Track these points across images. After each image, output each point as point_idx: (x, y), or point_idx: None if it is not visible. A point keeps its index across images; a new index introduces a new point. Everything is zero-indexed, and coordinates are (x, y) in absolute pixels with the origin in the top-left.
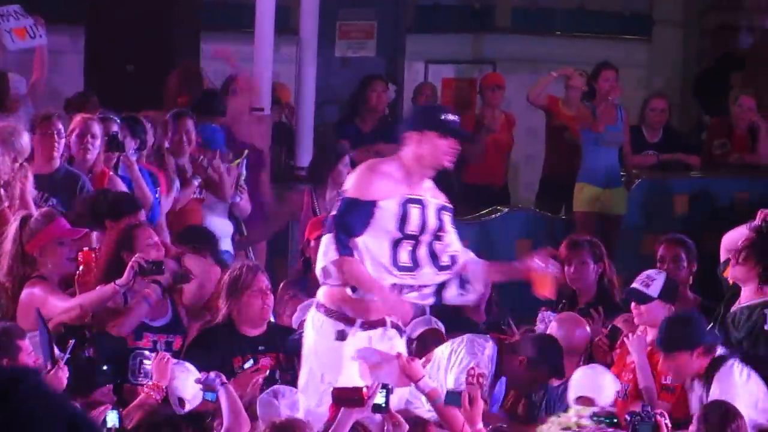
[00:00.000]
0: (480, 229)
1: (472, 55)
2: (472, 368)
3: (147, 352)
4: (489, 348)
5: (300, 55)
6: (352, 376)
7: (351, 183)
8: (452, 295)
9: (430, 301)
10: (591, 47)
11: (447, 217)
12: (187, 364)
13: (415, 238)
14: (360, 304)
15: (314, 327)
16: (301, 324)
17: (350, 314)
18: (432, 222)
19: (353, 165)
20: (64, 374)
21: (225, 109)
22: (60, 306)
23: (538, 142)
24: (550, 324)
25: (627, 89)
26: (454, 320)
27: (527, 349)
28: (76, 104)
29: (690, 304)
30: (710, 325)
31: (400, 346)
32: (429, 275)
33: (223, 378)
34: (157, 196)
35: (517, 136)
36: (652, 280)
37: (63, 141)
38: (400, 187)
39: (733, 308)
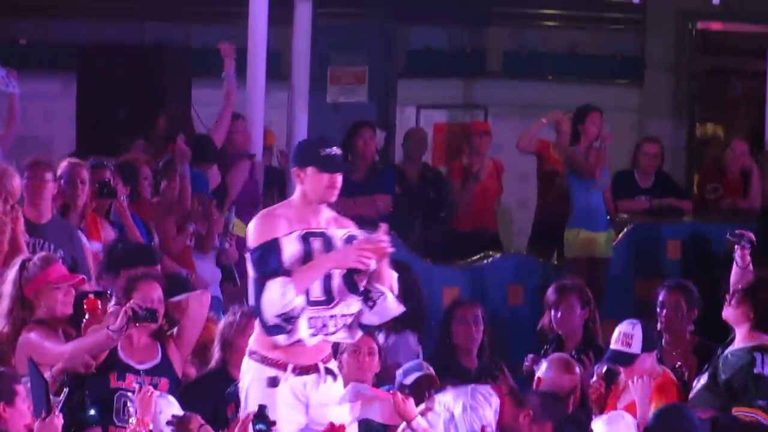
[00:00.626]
0: (472, 274)
1: (464, 99)
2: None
3: (131, 393)
4: (495, 401)
5: (291, 101)
6: (339, 413)
7: (250, 238)
8: (366, 315)
9: (359, 334)
10: (583, 91)
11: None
12: (170, 398)
13: None
14: (290, 348)
15: (249, 375)
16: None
17: (281, 359)
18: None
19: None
20: (59, 422)
21: (217, 155)
22: (54, 351)
23: (530, 187)
24: (539, 365)
25: (618, 134)
26: (445, 366)
27: (534, 404)
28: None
29: (688, 345)
30: (705, 368)
31: (338, 390)
32: (352, 303)
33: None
34: (147, 240)
35: (509, 181)
36: (630, 338)
37: (51, 186)
38: (295, 225)
39: (726, 351)
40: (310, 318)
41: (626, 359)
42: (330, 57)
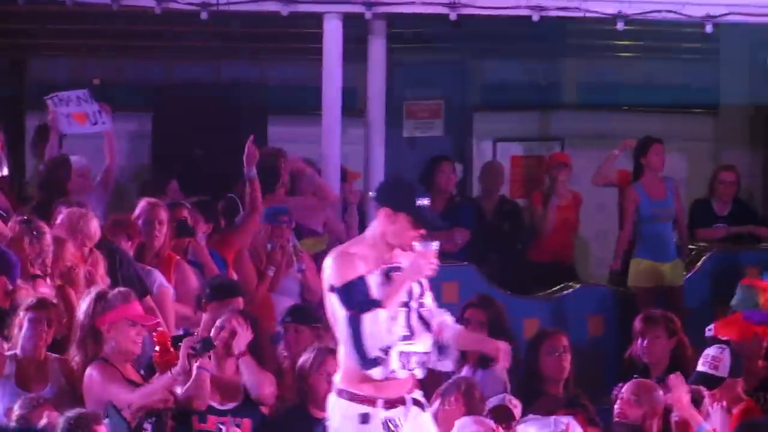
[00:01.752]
0: (551, 305)
1: (540, 132)
2: None
3: None
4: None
5: (368, 137)
6: None
7: (332, 276)
8: (432, 360)
9: (448, 365)
10: (658, 121)
11: (424, 280)
12: None
13: (406, 305)
14: (379, 383)
15: (338, 413)
16: None
17: (370, 394)
18: (415, 287)
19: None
20: None
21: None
22: (121, 397)
23: (607, 217)
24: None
25: (695, 163)
26: (533, 397)
27: None
28: (154, 188)
29: (762, 373)
30: None
31: (426, 421)
32: (427, 341)
33: None
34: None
35: (586, 212)
36: (719, 361)
37: None
38: (371, 263)
39: None
40: (400, 352)
41: (712, 382)
42: (405, 92)
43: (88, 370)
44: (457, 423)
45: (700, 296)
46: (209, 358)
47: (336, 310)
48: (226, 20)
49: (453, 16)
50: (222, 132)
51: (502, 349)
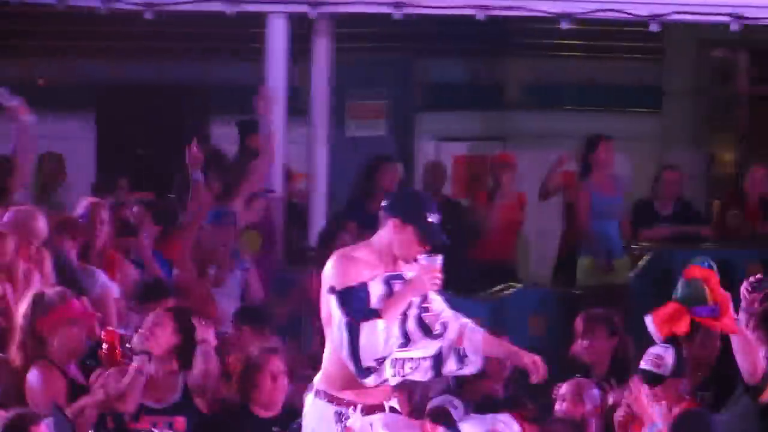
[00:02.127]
0: (494, 306)
1: (483, 131)
2: None
3: None
4: (515, 428)
5: (311, 136)
6: None
7: (332, 278)
8: (451, 369)
9: (430, 375)
10: (601, 121)
11: (436, 304)
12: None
13: (403, 313)
14: (359, 389)
15: (315, 414)
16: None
17: (350, 399)
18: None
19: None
20: None
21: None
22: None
23: (548, 216)
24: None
25: (638, 162)
26: (472, 395)
27: (556, 430)
28: (104, 187)
29: (707, 371)
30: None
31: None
32: (426, 345)
33: None
34: (169, 276)
35: (528, 211)
36: (662, 359)
37: None
38: (374, 269)
39: None
40: (393, 359)
41: (654, 379)
42: (349, 92)
43: (30, 372)
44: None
45: (641, 296)
46: (149, 358)
47: (333, 312)
48: (170, 21)
49: (398, 15)
50: (165, 132)
51: (538, 364)
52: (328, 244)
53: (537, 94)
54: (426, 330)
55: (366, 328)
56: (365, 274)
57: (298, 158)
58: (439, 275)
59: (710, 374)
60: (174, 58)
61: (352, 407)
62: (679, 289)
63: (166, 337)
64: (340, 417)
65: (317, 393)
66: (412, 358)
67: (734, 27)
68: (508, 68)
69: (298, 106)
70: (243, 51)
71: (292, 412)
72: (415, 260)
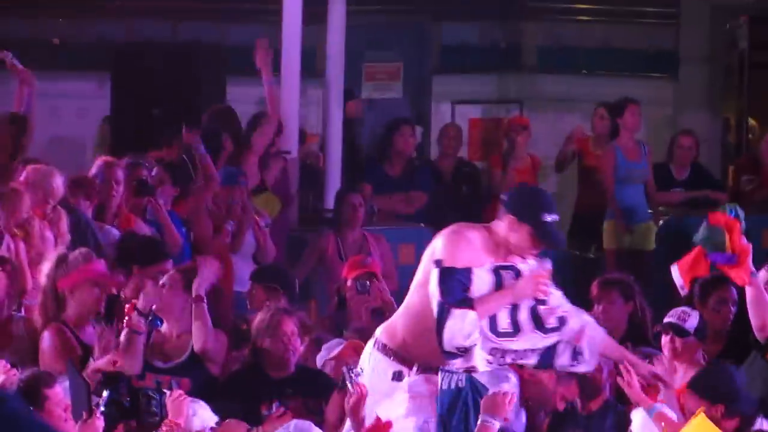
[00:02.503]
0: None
1: (499, 94)
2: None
3: (150, 393)
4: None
5: (326, 98)
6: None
7: (442, 251)
8: (564, 363)
9: (533, 361)
10: (616, 85)
11: (553, 298)
12: (202, 403)
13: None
14: (423, 348)
15: (370, 364)
16: (326, 363)
17: (410, 357)
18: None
19: (374, 211)
20: (100, 423)
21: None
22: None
23: (564, 180)
24: None
25: (653, 127)
26: None
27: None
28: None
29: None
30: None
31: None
32: (535, 339)
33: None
34: (185, 237)
35: (543, 174)
36: (687, 316)
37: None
38: (486, 256)
39: None
40: (493, 348)
41: (680, 331)
42: (364, 54)
43: (44, 333)
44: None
45: (658, 260)
46: (146, 319)
47: (431, 284)
48: None
49: None
50: (181, 92)
51: (658, 376)
52: (342, 205)
53: (553, 58)
54: (538, 323)
55: (455, 315)
56: (476, 257)
57: (314, 120)
58: (546, 282)
59: (724, 348)
60: (190, 18)
61: (408, 367)
62: (700, 232)
63: (176, 299)
64: (399, 376)
65: (377, 343)
66: (516, 350)
67: None
68: (524, 31)
69: (313, 68)
70: (259, 12)
71: (305, 373)
72: (529, 256)
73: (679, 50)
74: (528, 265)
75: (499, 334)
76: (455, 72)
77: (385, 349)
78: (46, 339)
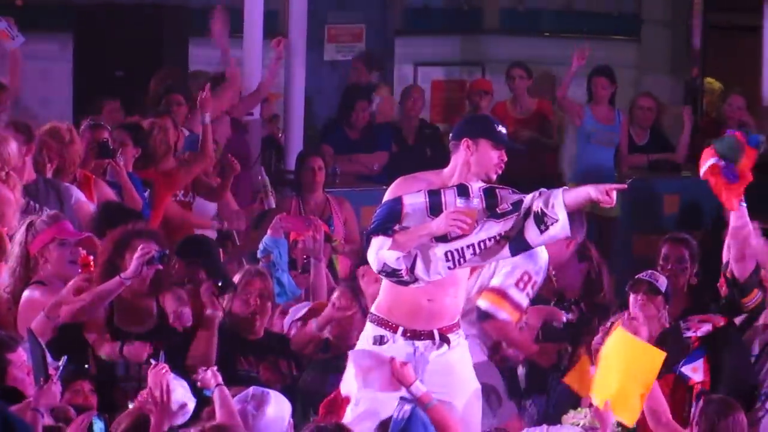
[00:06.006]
0: None
1: (461, 56)
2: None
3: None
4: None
5: (289, 59)
6: (345, 381)
7: (387, 192)
8: (535, 235)
9: (507, 254)
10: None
11: (503, 191)
12: (182, 381)
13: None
14: (402, 309)
15: (363, 334)
16: (293, 325)
17: (393, 321)
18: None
19: (337, 173)
20: (57, 389)
21: None
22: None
23: None
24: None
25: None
26: None
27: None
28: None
29: (686, 299)
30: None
31: (451, 361)
32: (490, 227)
33: (219, 378)
34: (146, 199)
35: None
36: (658, 277)
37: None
38: (433, 187)
39: None
40: (447, 252)
41: (654, 289)
42: (327, 15)
43: (27, 293)
44: None
45: (621, 224)
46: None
47: None
48: None
49: None
50: (143, 54)
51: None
52: (303, 168)
53: (515, 20)
54: (492, 211)
55: (371, 242)
56: (414, 185)
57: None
58: (466, 220)
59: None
60: None
61: (392, 331)
62: (722, 139)
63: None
64: (381, 340)
65: (369, 315)
66: (471, 245)
67: None
68: None
69: (275, 29)
70: None
71: (273, 336)
72: (496, 173)
73: (642, 12)
74: (459, 201)
75: (447, 241)
76: (418, 34)
77: (370, 316)
78: (36, 294)
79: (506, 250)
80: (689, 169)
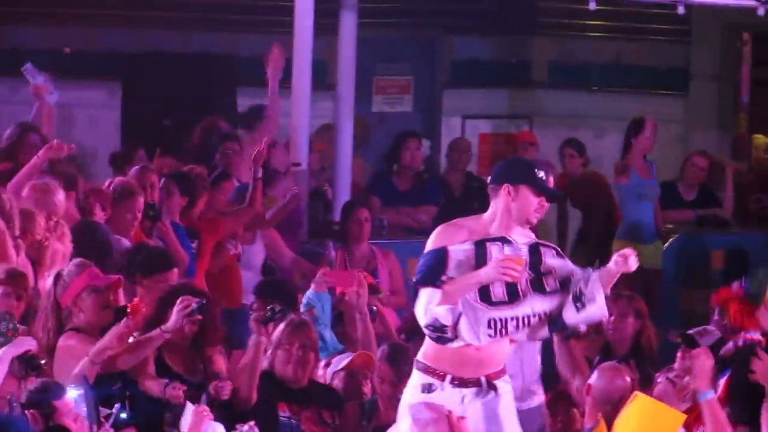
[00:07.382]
0: None
1: (509, 109)
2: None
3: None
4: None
5: (337, 110)
6: None
7: (428, 245)
8: (572, 314)
9: (545, 333)
10: (627, 102)
11: (548, 251)
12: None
13: None
14: (454, 360)
15: (410, 382)
16: (335, 375)
17: (440, 369)
18: (532, 257)
19: (384, 225)
20: None
21: None
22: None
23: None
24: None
25: (663, 145)
26: None
27: None
28: (122, 158)
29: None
30: None
31: (499, 408)
32: (536, 303)
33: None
34: (192, 253)
35: None
36: (706, 332)
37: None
38: (477, 236)
39: None
40: (491, 319)
41: (691, 342)
42: (375, 67)
43: (62, 342)
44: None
45: (667, 279)
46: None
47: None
48: None
49: None
50: (191, 102)
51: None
52: (349, 219)
53: (563, 74)
54: (538, 287)
55: (419, 294)
56: (461, 238)
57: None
58: (515, 267)
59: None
60: (202, 29)
61: (440, 379)
62: None
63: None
64: (429, 388)
65: (415, 363)
66: (515, 317)
67: (761, 12)
68: (535, 47)
69: (324, 80)
70: (271, 23)
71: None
72: (536, 219)
73: (690, 67)
74: (507, 249)
75: (492, 304)
76: (466, 86)
77: (417, 364)
78: (72, 342)
79: (546, 330)
80: (736, 224)
